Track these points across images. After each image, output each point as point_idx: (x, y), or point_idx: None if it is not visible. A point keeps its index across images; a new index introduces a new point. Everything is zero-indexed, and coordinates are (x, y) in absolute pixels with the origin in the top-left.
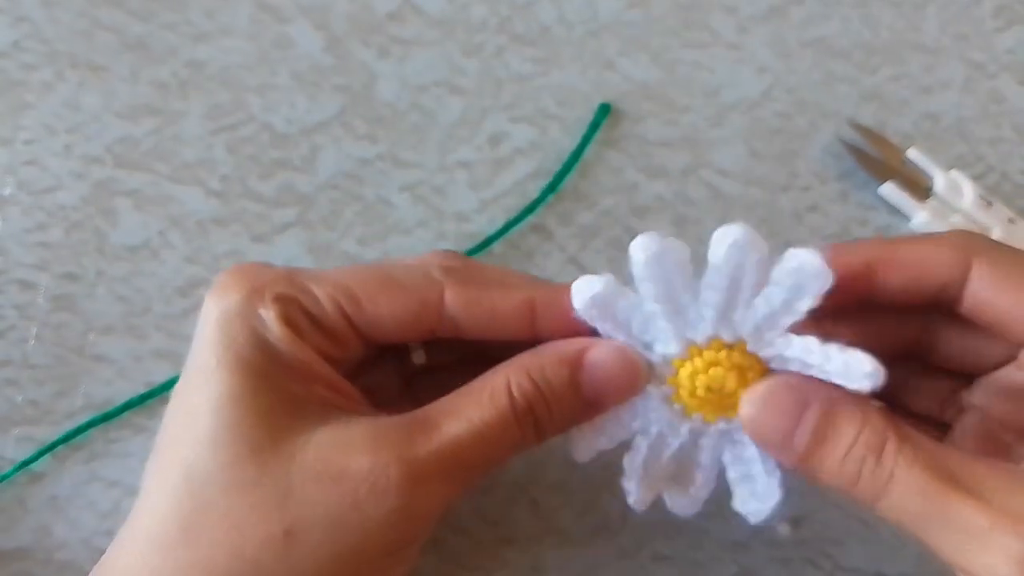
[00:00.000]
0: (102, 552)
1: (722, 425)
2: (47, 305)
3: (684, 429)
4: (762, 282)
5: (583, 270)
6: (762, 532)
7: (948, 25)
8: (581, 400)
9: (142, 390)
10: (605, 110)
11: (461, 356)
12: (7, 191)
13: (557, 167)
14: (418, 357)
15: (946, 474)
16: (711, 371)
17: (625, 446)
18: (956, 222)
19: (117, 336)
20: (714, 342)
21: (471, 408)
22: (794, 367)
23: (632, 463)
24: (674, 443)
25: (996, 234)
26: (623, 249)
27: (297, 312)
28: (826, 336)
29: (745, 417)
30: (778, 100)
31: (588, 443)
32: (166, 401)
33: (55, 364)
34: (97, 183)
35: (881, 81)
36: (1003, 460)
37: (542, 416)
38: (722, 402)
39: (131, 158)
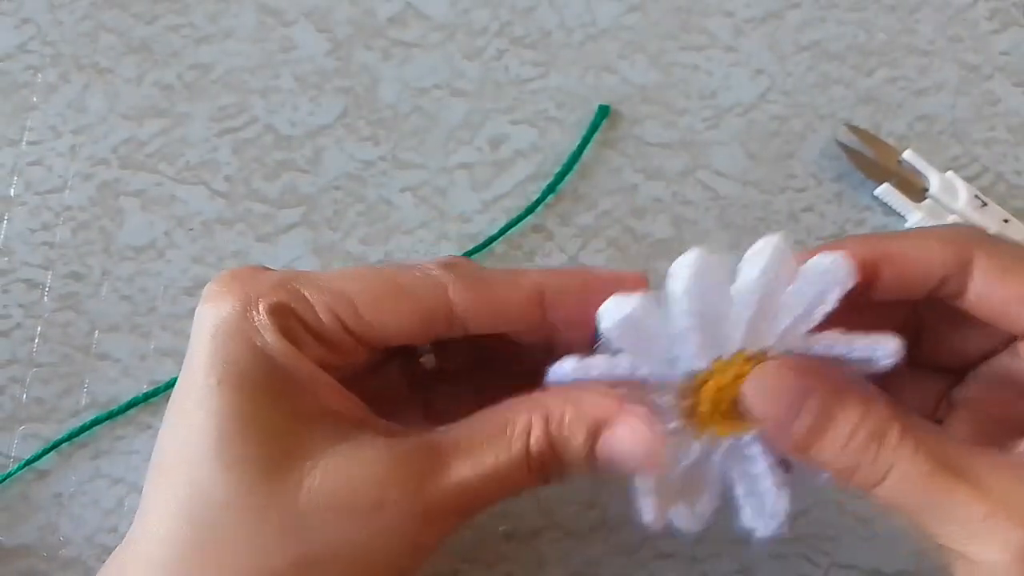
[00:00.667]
0: (107, 549)
1: (732, 440)
2: (53, 304)
3: (698, 445)
4: (788, 292)
5: None
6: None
7: (943, 28)
8: (593, 464)
9: (147, 388)
10: (604, 112)
11: (471, 358)
12: (13, 191)
13: (557, 168)
14: (428, 361)
15: (947, 463)
16: (737, 383)
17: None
18: (952, 223)
19: (122, 335)
20: (738, 355)
21: (485, 452)
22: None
23: (646, 482)
24: (687, 459)
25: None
26: (622, 249)
27: (294, 321)
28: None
29: (748, 397)
30: (775, 102)
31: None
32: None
33: (60, 363)
34: (103, 184)
35: (877, 83)
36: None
37: (552, 469)
38: (737, 415)
39: (136, 159)
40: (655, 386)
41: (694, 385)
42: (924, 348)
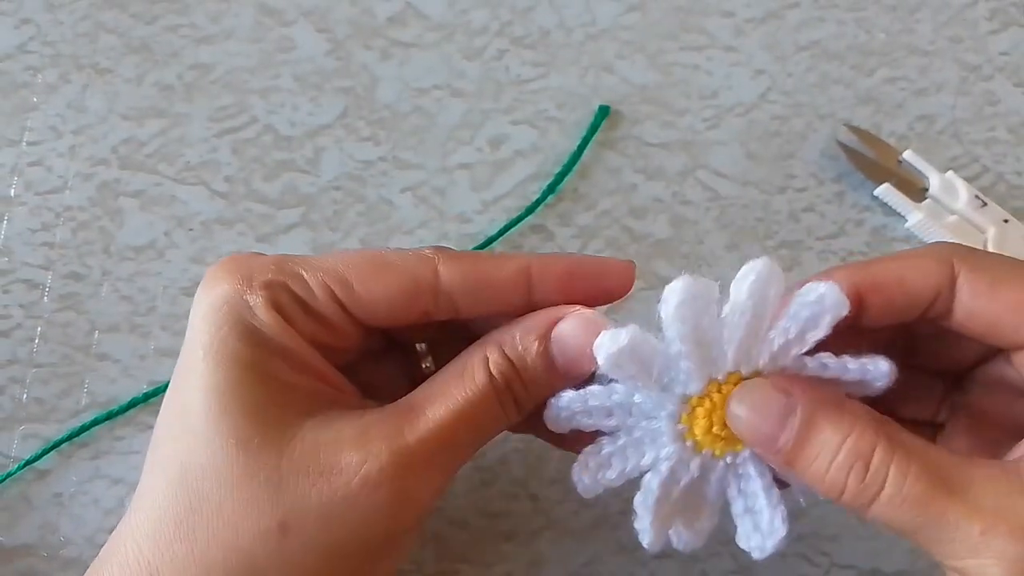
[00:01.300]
0: None
1: (728, 459)
2: (52, 304)
3: (695, 465)
4: (779, 314)
5: None
6: None
7: (942, 28)
8: (555, 371)
9: (146, 388)
10: (604, 112)
11: None
12: (13, 192)
13: (557, 168)
14: (427, 364)
15: (938, 479)
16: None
17: (634, 484)
18: (951, 223)
19: (122, 335)
20: (732, 376)
21: (453, 390)
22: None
23: (644, 503)
24: (684, 480)
25: (991, 234)
26: (622, 249)
27: (287, 298)
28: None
29: (733, 415)
30: (775, 102)
31: (594, 478)
32: None
33: (60, 363)
34: (102, 184)
35: (877, 83)
36: (993, 457)
37: (519, 391)
38: (731, 435)
39: (136, 159)
40: (652, 409)
41: (689, 407)
42: (920, 355)
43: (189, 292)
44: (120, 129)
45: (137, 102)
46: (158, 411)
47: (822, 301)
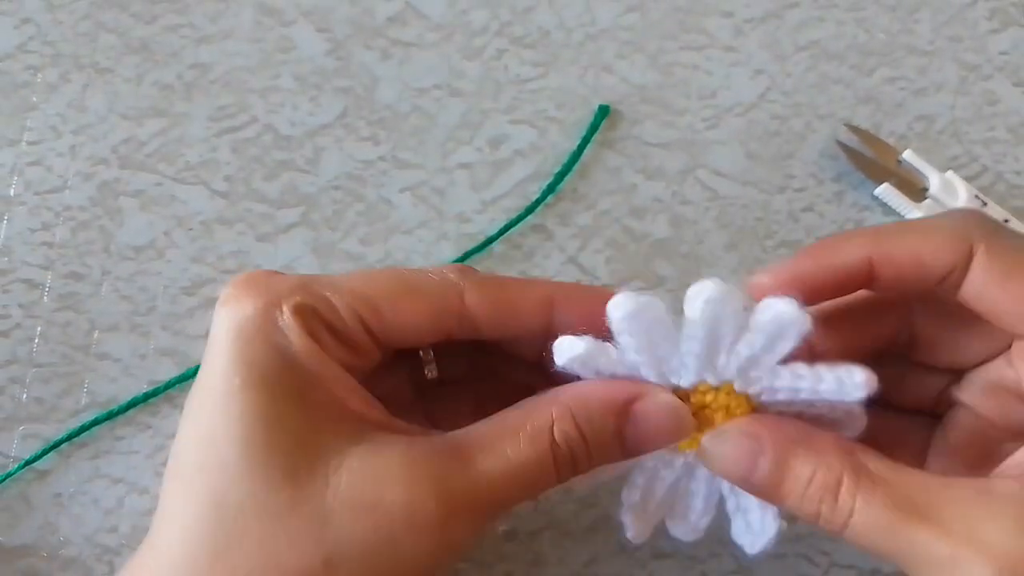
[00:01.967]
0: (107, 549)
1: None
2: (52, 304)
3: (678, 463)
4: (742, 329)
5: (582, 270)
6: None
7: (942, 27)
8: (623, 448)
9: (147, 388)
10: (603, 112)
11: (470, 370)
12: (13, 191)
13: (556, 168)
14: (430, 371)
15: (907, 505)
16: (699, 413)
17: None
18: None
19: (122, 335)
20: (700, 385)
21: (509, 445)
22: (784, 396)
23: (630, 498)
24: (668, 477)
25: None
26: (622, 249)
27: (317, 323)
28: (811, 356)
29: (707, 454)
30: (774, 102)
31: (590, 477)
32: (171, 399)
33: (60, 362)
34: (102, 184)
35: (876, 83)
36: (991, 458)
37: (581, 461)
38: None
39: (136, 159)
40: None
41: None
42: (920, 350)
43: (189, 292)
44: (120, 129)
45: (137, 102)
46: (158, 411)
47: (779, 319)
